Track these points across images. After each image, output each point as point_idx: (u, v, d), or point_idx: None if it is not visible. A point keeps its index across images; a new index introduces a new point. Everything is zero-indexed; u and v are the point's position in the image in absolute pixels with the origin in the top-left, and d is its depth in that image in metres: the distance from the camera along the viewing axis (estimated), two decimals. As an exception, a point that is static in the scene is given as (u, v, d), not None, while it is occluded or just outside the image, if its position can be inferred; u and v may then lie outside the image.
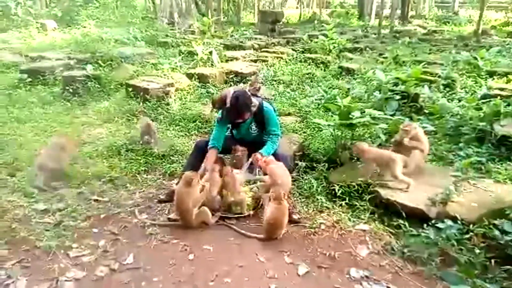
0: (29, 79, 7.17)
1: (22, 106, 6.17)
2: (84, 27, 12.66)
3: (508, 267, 2.49)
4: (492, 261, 2.55)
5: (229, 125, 3.94)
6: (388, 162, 3.48)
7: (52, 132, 5.10)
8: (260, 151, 3.63)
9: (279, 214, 3.02)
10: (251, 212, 3.40)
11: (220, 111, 3.80)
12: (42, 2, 17.07)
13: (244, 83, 7.21)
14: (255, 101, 3.69)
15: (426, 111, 5.25)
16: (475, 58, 7.62)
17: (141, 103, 6.02)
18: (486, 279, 2.45)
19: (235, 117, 3.64)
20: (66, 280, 2.51)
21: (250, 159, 3.70)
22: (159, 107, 5.97)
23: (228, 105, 3.52)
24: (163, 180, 4.06)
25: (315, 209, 3.46)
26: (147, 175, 4.10)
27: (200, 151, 3.84)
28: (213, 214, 3.28)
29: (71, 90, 6.60)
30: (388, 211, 3.26)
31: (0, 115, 5.67)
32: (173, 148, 4.65)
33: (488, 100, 4.88)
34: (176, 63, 7.94)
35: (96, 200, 3.56)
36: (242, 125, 3.82)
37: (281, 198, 3.05)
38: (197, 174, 3.29)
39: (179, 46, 10.45)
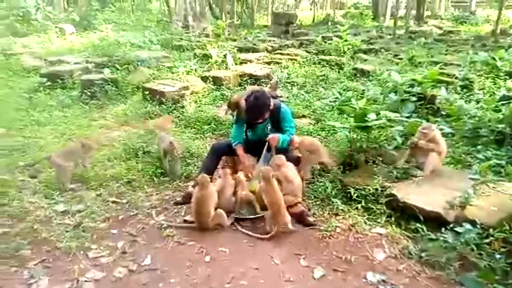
0: (49, 83, 7.38)
1: (42, 109, 6.35)
2: (101, 31, 12.93)
3: (530, 273, 2.44)
4: (513, 266, 2.51)
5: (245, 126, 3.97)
6: (315, 150, 3.83)
7: (71, 135, 5.22)
8: (276, 133, 3.68)
9: (272, 192, 3.13)
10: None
11: (235, 115, 3.84)
12: (61, 7, 17.47)
13: (258, 85, 7.23)
14: (273, 100, 3.73)
15: (443, 113, 5.17)
16: (493, 59, 7.44)
17: (157, 106, 6.11)
18: (507, 285, 2.41)
19: (255, 117, 3.66)
20: (86, 281, 2.58)
21: (266, 143, 3.72)
22: (175, 109, 6.05)
23: (248, 105, 3.57)
24: (179, 182, 4.10)
25: (330, 212, 3.45)
26: (163, 177, 4.15)
27: (216, 155, 3.89)
28: (228, 216, 3.31)
29: (89, 94, 6.77)
30: (405, 214, 3.21)
31: (21, 118, 5.85)
32: (188, 150, 4.70)
33: (507, 101, 4.78)
34: (191, 66, 8.03)
35: (114, 202, 3.63)
36: (259, 126, 3.84)
37: (269, 177, 3.17)
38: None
39: (194, 49, 10.54)
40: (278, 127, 3.84)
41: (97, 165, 4.27)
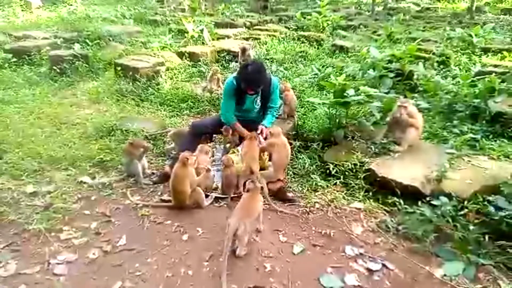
0: (14, 59, 6.97)
1: (8, 87, 6.00)
2: (70, 4, 12.28)
3: (502, 242, 2.51)
4: (486, 236, 2.56)
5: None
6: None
7: (40, 114, 4.96)
8: (262, 123, 3.75)
9: (252, 146, 3.31)
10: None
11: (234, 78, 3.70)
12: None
13: (236, 62, 7.06)
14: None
15: (421, 89, 5.20)
16: (470, 35, 7.54)
17: (131, 83, 5.87)
18: (480, 254, 2.48)
19: (253, 89, 3.58)
20: (57, 263, 2.47)
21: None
22: (149, 86, 5.83)
23: (248, 76, 3.48)
24: (155, 161, 3.99)
25: (309, 188, 3.45)
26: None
27: (197, 133, 3.79)
28: (206, 196, 3.24)
29: (58, 70, 6.46)
30: (382, 189, 3.24)
31: (-15, 97, 5.51)
32: (164, 128, 4.55)
33: (482, 77, 4.84)
34: (166, 41, 7.73)
35: (86, 182, 3.48)
36: (248, 99, 3.76)
37: (253, 136, 3.40)
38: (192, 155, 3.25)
39: (169, 24, 10.16)
40: (266, 100, 3.79)
41: (68, 145, 4.09)
